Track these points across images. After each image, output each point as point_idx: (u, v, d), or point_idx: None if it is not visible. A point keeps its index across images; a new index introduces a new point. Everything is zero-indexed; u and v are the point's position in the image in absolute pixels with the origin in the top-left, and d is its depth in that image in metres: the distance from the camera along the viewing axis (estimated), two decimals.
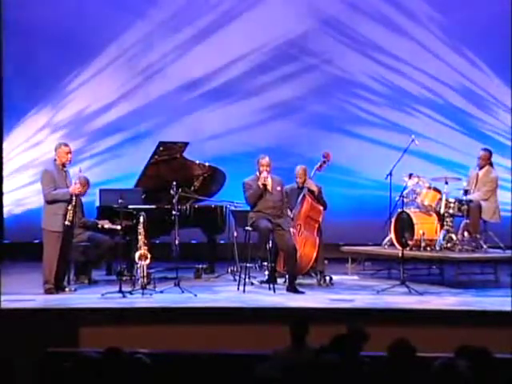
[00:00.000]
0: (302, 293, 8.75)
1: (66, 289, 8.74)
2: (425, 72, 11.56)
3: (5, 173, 11.82)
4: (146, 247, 8.76)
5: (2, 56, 11.60)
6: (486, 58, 11.46)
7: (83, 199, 9.48)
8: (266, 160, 9.01)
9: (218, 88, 11.70)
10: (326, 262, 9.58)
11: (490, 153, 10.14)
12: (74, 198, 8.49)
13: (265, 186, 8.94)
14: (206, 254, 10.18)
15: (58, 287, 8.57)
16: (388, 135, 11.46)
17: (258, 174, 9.04)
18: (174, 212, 8.99)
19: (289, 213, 9.22)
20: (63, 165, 8.62)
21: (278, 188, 9.05)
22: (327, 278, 9.36)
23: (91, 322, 7.54)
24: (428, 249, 9.69)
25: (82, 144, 11.59)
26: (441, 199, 9.80)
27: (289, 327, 5.51)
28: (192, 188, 9.98)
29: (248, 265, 9.07)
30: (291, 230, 9.09)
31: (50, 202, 8.52)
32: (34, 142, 11.79)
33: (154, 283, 8.87)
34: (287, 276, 8.98)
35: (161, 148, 9.68)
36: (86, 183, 9.44)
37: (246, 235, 9.05)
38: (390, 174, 9.61)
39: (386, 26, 11.53)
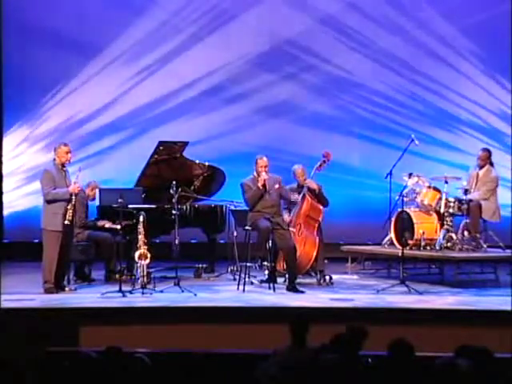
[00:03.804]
0: (302, 292, 8.75)
1: (66, 288, 8.74)
2: (436, 81, 11.62)
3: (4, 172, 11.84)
4: (145, 246, 8.76)
5: (2, 56, 11.60)
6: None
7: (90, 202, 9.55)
8: (263, 160, 9.00)
9: (218, 87, 11.70)
10: (325, 261, 9.59)
11: (490, 152, 10.14)
12: (73, 197, 8.49)
13: (264, 186, 8.93)
14: (206, 254, 10.17)
15: (58, 287, 8.57)
16: (391, 137, 11.49)
17: (255, 174, 9.03)
18: (173, 211, 9.00)
19: (285, 216, 9.20)
20: (63, 164, 8.63)
21: (276, 186, 9.04)
22: (327, 278, 9.36)
23: (91, 321, 7.54)
24: (428, 248, 9.69)
25: (78, 145, 11.55)
26: (441, 198, 9.81)
27: (289, 326, 5.51)
28: (192, 187, 9.98)
29: (248, 264, 9.07)
30: (291, 229, 9.09)
31: (49, 201, 8.52)
32: (25, 147, 11.81)
33: (154, 283, 8.87)
34: (287, 275, 8.98)
35: (160, 147, 9.68)
36: (95, 187, 9.49)
37: (245, 235, 9.04)
38: (390, 173, 9.61)
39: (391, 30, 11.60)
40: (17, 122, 11.79)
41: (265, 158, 9.02)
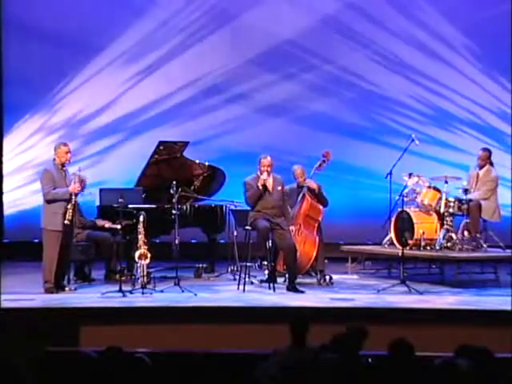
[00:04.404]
0: (302, 292, 8.74)
1: (66, 288, 8.74)
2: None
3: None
4: (145, 246, 8.76)
5: (2, 56, 11.60)
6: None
7: (80, 198, 9.49)
8: (267, 160, 8.97)
9: (218, 87, 11.70)
10: (325, 261, 9.58)
11: (490, 152, 10.15)
12: (73, 197, 8.49)
13: (264, 186, 8.92)
14: (206, 254, 10.17)
15: (58, 286, 8.57)
16: (391, 137, 11.49)
17: (258, 173, 9.01)
18: (173, 211, 9.00)
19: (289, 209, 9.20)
20: (62, 164, 8.63)
21: (279, 188, 9.02)
22: (327, 278, 9.36)
23: (91, 321, 7.54)
24: (428, 248, 9.69)
25: (79, 144, 11.55)
26: (441, 198, 9.81)
27: (289, 326, 5.51)
28: (192, 187, 9.98)
29: (248, 264, 9.07)
30: (291, 228, 9.09)
31: (49, 201, 8.51)
32: (30, 144, 11.79)
33: (154, 282, 8.87)
34: (287, 275, 8.98)
35: (161, 147, 9.68)
36: (79, 181, 9.43)
37: (245, 234, 9.04)
38: (390, 173, 9.60)
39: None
40: (16, 122, 11.78)
41: (269, 158, 8.98)
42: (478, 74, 11.57)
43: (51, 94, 11.74)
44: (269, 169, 8.94)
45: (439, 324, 7.48)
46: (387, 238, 10.07)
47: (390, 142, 11.31)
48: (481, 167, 10.06)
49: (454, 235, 9.71)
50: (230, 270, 9.94)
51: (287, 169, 9.66)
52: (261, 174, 8.95)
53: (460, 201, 9.82)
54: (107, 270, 9.45)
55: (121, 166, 11.43)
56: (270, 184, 8.94)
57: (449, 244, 9.70)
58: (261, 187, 8.90)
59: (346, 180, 11.53)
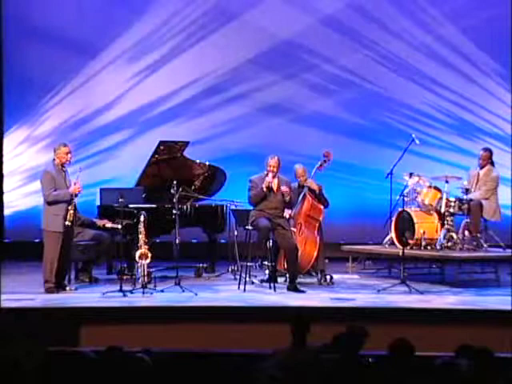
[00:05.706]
0: (303, 292, 8.75)
1: (67, 288, 8.74)
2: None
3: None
4: (146, 246, 8.76)
5: (3, 56, 11.60)
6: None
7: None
8: (274, 160, 8.95)
9: (218, 87, 11.69)
10: (326, 261, 9.59)
11: (491, 152, 10.14)
12: (74, 198, 8.49)
13: (268, 189, 8.91)
14: (207, 253, 10.18)
15: (58, 286, 8.57)
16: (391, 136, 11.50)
17: (265, 173, 9.00)
18: (174, 211, 9.00)
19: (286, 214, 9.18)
20: (62, 165, 8.62)
21: (284, 189, 9.00)
22: (328, 277, 9.37)
23: (92, 321, 7.54)
24: (428, 248, 9.69)
25: (79, 145, 11.53)
26: (441, 198, 9.81)
27: (289, 326, 5.51)
28: (192, 187, 9.98)
29: (248, 264, 9.07)
30: (292, 228, 9.10)
31: (50, 202, 8.51)
32: (24, 148, 11.80)
33: (155, 282, 8.88)
34: (288, 275, 8.98)
35: (161, 147, 9.69)
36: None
37: (246, 234, 9.04)
38: (391, 173, 9.60)
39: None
40: (17, 122, 11.78)
41: (276, 159, 8.95)
42: (479, 74, 11.57)
43: (50, 95, 11.72)
44: (275, 169, 8.93)
45: (439, 324, 7.48)
46: (388, 237, 10.06)
47: (391, 142, 11.30)
48: (482, 167, 10.05)
49: (454, 235, 9.70)
50: (230, 269, 9.94)
51: (288, 169, 9.64)
52: (267, 173, 8.95)
53: (460, 200, 9.82)
54: (107, 269, 9.45)
55: (121, 166, 11.41)
56: (275, 185, 8.93)
57: (449, 244, 9.69)
58: (265, 189, 8.89)
59: (347, 180, 11.53)
